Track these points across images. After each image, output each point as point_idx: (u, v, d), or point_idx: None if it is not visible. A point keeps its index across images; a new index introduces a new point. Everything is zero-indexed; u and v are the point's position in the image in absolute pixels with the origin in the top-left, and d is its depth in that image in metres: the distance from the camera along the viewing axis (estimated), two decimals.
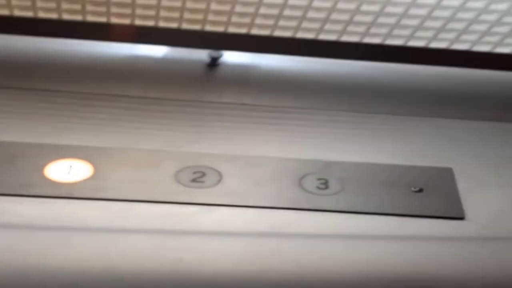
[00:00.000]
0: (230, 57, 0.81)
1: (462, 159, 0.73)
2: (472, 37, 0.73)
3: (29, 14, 0.70)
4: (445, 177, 0.70)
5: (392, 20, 0.71)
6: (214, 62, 0.81)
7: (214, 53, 0.80)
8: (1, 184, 0.64)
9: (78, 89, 0.74)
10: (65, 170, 0.66)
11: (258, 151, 0.71)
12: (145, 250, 0.60)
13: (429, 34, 0.73)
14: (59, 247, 0.59)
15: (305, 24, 0.72)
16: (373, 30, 0.72)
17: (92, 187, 0.64)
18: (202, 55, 0.80)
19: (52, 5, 0.69)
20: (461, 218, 0.66)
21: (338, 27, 0.72)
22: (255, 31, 0.73)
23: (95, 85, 0.75)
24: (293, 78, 0.81)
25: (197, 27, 0.73)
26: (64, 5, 0.69)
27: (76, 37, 0.75)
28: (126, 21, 0.72)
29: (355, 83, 0.81)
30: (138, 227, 0.62)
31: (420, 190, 0.68)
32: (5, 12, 0.70)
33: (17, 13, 0.70)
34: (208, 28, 0.73)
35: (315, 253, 0.61)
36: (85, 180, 0.65)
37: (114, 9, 0.70)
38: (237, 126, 0.74)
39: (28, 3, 0.69)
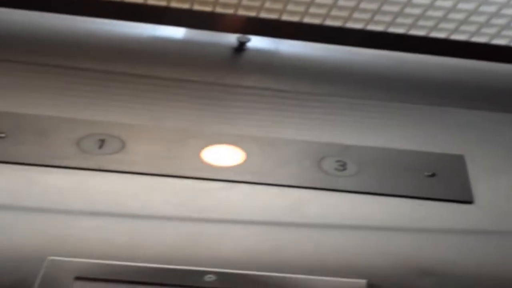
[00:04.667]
0: (257, 42, 0.84)
1: (473, 147, 0.76)
2: (492, 30, 0.76)
3: None
4: (457, 163, 0.73)
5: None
6: (241, 47, 0.84)
7: (242, 37, 0.83)
8: (34, 155, 0.67)
9: (111, 69, 0.78)
10: (97, 144, 0.69)
11: (280, 133, 0.74)
12: (169, 223, 0.63)
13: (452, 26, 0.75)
14: (85, 217, 0.63)
15: (334, 12, 0.74)
16: (399, 20, 0.75)
17: (122, 161, 0.68)
18: (231, 39, 0.83)
19: None
20: (470, 202, 0.70)
21: (366, 15, 0.75)
22: (285, 17, 0.76)
23: (126, 64, 0.79)
24: (315, 65, 0.84)
25: (230, 11, 0.75)
26: None
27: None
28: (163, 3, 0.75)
29: (373, 72, 0.84)
30: (163, 200, 0.65)
31: (433, 175, 0.71)
32: None
33: None
34: (241, 12, 0.75)
35: (331, 233, 0.65)
36: (114, 154, 0.68)
37: None
38: (260, 109, 0.77)
39: None
